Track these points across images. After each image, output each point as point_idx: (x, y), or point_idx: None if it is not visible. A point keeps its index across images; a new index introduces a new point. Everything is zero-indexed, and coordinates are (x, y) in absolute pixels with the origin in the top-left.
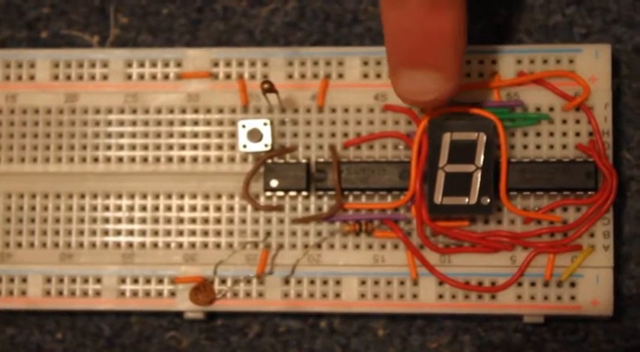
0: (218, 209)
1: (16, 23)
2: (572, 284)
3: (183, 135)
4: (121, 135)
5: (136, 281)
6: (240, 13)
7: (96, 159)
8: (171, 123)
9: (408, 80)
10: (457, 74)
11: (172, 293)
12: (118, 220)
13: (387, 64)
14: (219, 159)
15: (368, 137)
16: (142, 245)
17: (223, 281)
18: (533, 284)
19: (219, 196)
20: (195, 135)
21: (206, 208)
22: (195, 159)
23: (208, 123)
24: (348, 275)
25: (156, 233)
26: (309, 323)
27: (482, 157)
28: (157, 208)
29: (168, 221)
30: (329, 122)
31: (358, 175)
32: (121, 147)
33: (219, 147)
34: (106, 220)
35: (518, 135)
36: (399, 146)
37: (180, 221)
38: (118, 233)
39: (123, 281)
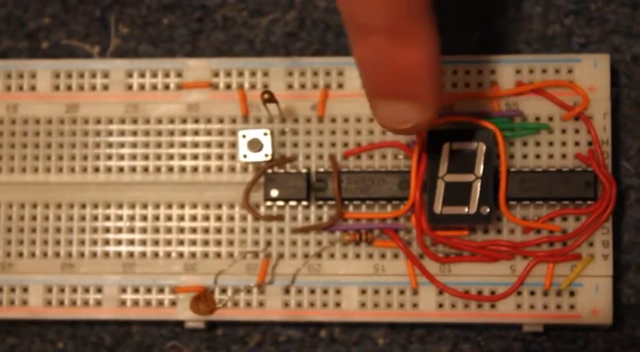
0: (218, 219)
1: (17, 34)
2: (572, 294)
3: (183, 145)
4: (122, 145)
5: (136, 290)
6: (241, 23)
7: (97, 169)
8: (171, 133)
9: (383, 110)
10: (434, 102)
11: (173, 303)
12: (119, 230)
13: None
14: (220, 169)
15: (368, 147)
16: (143, 254)
17: (224, 291)
18: (532, 293)
19: (219, 206)
20: (196, 145)
21: (206, 218)
22: (195, 169)
23: (209, 133)
24: (348, 285)
25: (156, 242)
26: (310, 332)
27: (481, 167)
28: (157, 218)
29: (168, 230)
30: (329, 132)
31: (358, 185)
32: (121, 157)
33: (220, 157)
34: (107, 230)
35: (517, 145)
36: (399, 156)
37: (181, 230)
38: (119, 242)
39: (124, 290)
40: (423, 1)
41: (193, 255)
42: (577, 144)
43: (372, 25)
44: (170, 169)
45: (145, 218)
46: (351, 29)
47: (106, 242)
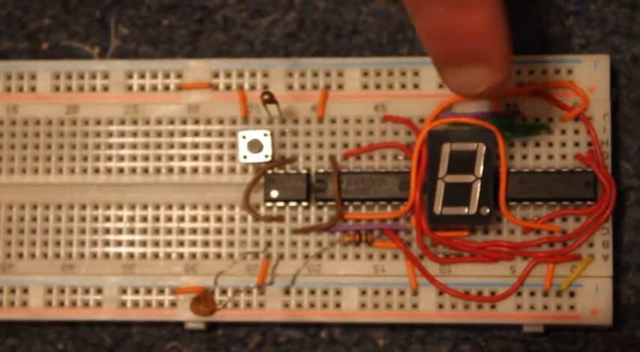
0: (218, 219)
1: (17, 35)
2: (572, 294)
3: (183, 146)
4: (122, 146)
5: (136, 291)
6: (240, 24)
7: (97, 170)
8: (171, 134)
9: (454, 77)
10: (504, 63)
11: (173, 304)
12: (119, 231)
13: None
14: (220, 170)
15: (368, 148)
16: (143, 255)
17: (224, 292)
18: (532, 293)
19: (219, 207)
20: (196, 146)
21: (206, 219)
22: (195, 170)
23: (209, 134)
24: (348, 286)
25: (157, 243)
26: (310, 333)
27: (481, 167)
28: (157, 219)
29: (168, 231)
30: (329, 133)
31: (358, 186)
32: (121, 158)
33: (220, 157)
34: (107, 231)
35: (517, 146)
36: (399, 156)
37: (181, 231)
38: (119, 243)
39: (124, 291)
40: None
41: (193, 255)
42: (577, 144)
43: None
44: (170, 170)
45: (145, 219)
46: (408, 2)
47: (106, 243)
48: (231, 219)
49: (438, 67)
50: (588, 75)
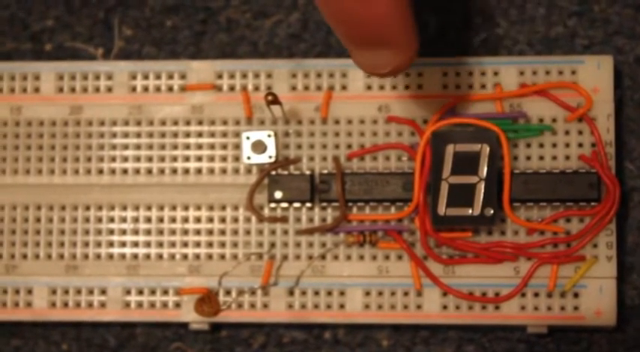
0: (222, 220)
1: (21, 36)
2: (576, 295)
3: (187, 146)
4: (126, 147)
5: (140, 292)
6: (244, 25)
7: (100, 171)
8: (175, 135)
9: (362, 58)
10: (409, 44)
11: (177, 305)
12: (123, 232)
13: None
14: (224, 171)
15: (371, 148)
16: (147, 256)
17: (228, 293)
18: (536, 294)
19: (223, 208)
20: (200, 146)
21: (210, 220)
22: (199, 171)
23: (212, 134)
24: (352, 286)
25: (160, 244)
26: (314, 333)
27: (485, 168)
28: (161, 220)
29: (172, 232)
30: (332, 134)
31: (362, 186)
32: (125, 159)
33: (224, 158)
34: (111, 232)
35: (521, 147)
36: (403, 157)
37: (185, 232)
38: (123, 244)
39: (128, 292)
40: None
41: (197, 256)
42: (580, 145)
43: None
44: (174, 171)
45: (149, 220)
46: None
47: (110, 244)
48: (235, 219)
49: (346, 46)
50: (592, 76)
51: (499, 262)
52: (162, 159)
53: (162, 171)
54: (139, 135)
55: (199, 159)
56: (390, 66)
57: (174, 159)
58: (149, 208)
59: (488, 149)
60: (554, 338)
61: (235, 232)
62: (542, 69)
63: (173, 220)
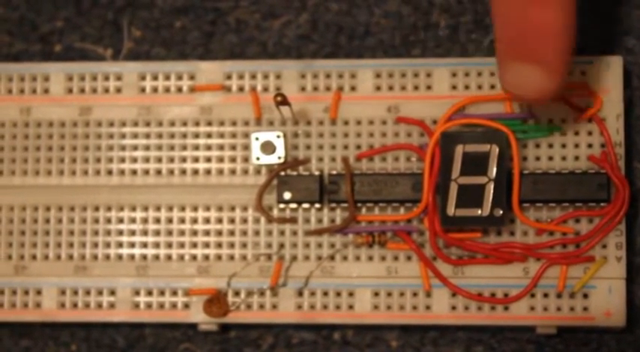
0: (231, 221)
1: (30, 37)
2: (585, 296)
3: (196, 147)
4: (135, 147)
5: (150, 293)
6: (253, 25)
7: (110, 172)
8: (184, 135)
9: (511, 73)
10: (560, 73)
11: (186, 305)
12: (132, 232)
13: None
14: (233, 172)
15: (381, 149)
16: (156, 257)
17: (237, 293)
18: (546, 295)
19: (232, 208)
20: (209, 147)
21: (219, 220)
22: (208, 172)
23: (221, 135)
24: (361, 287)
25: (170, 245)
26: (323, 334)
27: (494, 169)
28: (170, 220)
29: (181, 233)
30: (342, 134)
31: (371, 187)
32: (134, 160)
33: (233, 159)
34: (120, 232)
35: (530, 147)
36: (412, 158)
37: (194, 233)
38: (132, 245)
39: (137, 293)
40: None
41: (206, 257)
42: (590, 146)
43: None
44: (183, 172)
45: (158, 220)
46: None
47: (120, 244)
48: (244, 220)
49: (499, 58)
50: (601, 76)
51: (508, 263)
52: (171, 159)
53: (171, 172)
54: (148, 136)
55: (208, 159)
56: (536, 87)
57: (184, 159)
58: (158, 209)
59: (497, 149)
60: (564, 338)
61: (244, 233)
62: None
63: (182, 221)
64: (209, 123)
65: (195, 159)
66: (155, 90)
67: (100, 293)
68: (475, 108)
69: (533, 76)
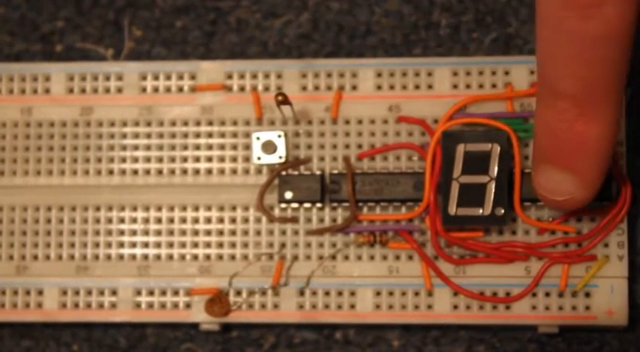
0: (233, 221)
1: (31, 37)
2: (587, 295)
3: (197, 147)
4: (136, 147)
5: (151, 293)
6: (254, 25)
7: (111, 172)
8: (185, 135)
9: (544, 176)
10: (595, 183)
11: (188, 305)
12: (133, 232)
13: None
14: (234, 171)
15: (382, 148)
16: (158, 257)
17: (238, 293)
18: (547, 294)
19: (233, 208)
20: (210, 147)
21: (221, 220)
22: (209, 172)
23: (222, 135)
24: (362, 287)
25: (171, 245)
26: (325, 334)
27: (496, 168)
28: (171, 220)
29: (183, 233)
30: (343, 134)
31: (372, 186)
32: (135, 160)
33: (234, 159)
34: (122, 232)
35: (531, 146)
36: (413, 157)
37: (195, 233)
38: (134, 245)
39: (138, 293)
40: (618, 79)
41: (208, 257)
42: None
43: (566, 90)
44: (184, 172)
45: (159, 220)
46: (543, 89)
47: (121, 244)
48: (246, 220)
49: (535, 160)
50: None
51: (510, 262)
52: (172, 159)
53: (172, 172)
54: (149, 135)
55: (209, 159)
56: (568, 195)
57: (185, 159)
58: (159, 209)
59: (498, 148)
60: (566, 338)
61: (246, 232)
62: None
63: (183, 221)
64: (210, 123)
65: (197, 159)
66: (156, 90)
67: (101, 293)
68: (476, 107)
69: (568, 184)
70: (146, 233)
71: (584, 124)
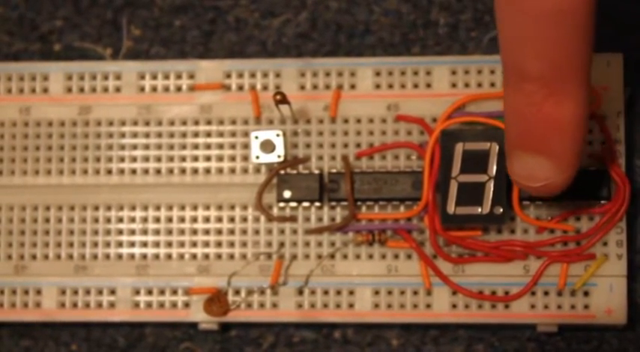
0: (231, 220)
1: (29, 36)
2: (586, 293)
3: (196, 146)
4: (135, 147)
5: (150, 292)
6: (253, 24)
7: (109, 171)
8: (184, 134)
9: (519, 163)
10: (571, 166)
11: (186, 305)
12: (132, 232)
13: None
14: (232, 171)
15: (380, 147)
16: (156, 256)
17: (237, 292)
18: (546, 293)
19: (232, 207)
20: (208, 146)
21: (219, 219)
22: (208, 171)
23: (221, 134)
24: (361, 286)
25: (169, 244)
26: (323, 333)
27: (494, 167)
28: (170, 220)
29: (181, 232)
30: (341, 133)
31: (371, 185)
32: (134, 159)
33: (232, 158)
34: (120, 232)
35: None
36: (412, 156)
37: (194, 232)
38: (132, 244)
39: (137, 292)
40: (586, 59)
41: (206, 256)
42: (590, 143)
43: (532, 71)
44: (183, 171)
45: (157, 220)
46: (509, 73)
47: (119, 244)
48: (244, 219)
49: (508, 147)
50: (602, 73)
51: (509, 261)
52: (170, 159)
53: (171, 171)
54: (147, 135)
55: (208, 158)
56: (544, 180)
57: (183, 159)
58: (158, 208)
59: (497, 147)
60: (565, 336)
61: (244, 232)
62: None
63: (182, 220)
64: (208, 122)
65: (195, 158)
66: (154, 89)
67: (100, 292)
68: (475, 106)
69: (543, 169)
70: (145, 232)
71: (554, 105)
